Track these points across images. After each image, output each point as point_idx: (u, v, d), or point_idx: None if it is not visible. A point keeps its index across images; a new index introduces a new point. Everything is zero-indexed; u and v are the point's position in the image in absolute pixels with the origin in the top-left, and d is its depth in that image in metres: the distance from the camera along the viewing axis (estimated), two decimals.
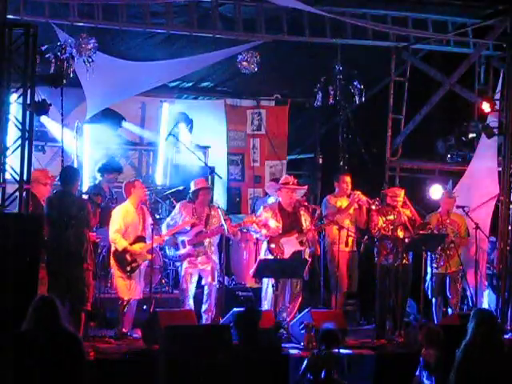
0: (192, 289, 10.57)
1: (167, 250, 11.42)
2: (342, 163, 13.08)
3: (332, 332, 8.33)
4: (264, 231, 10.77)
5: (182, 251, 10.67)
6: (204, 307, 10.55)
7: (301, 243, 10.80)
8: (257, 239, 11.53)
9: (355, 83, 12.11)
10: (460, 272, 11.46)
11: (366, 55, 12.64)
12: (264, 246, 10.90)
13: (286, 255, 10.70)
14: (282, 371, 8.59)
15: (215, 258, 10.69)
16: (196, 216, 10.62)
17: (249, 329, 7.98)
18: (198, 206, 10.69)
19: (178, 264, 11.05)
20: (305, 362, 8.21)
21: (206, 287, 10.59)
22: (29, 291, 8.38)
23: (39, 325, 6.51)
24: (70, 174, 9.71)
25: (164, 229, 10.69)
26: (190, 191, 10.79)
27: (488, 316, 7.43)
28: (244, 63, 11.61)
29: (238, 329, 8.06)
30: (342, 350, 8.45)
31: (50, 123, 12.17)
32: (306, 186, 11.31)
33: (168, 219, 10.92)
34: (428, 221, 11.45)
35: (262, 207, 11.14)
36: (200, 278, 10.66)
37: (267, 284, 10.69)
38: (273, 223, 10.77)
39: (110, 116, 13.01)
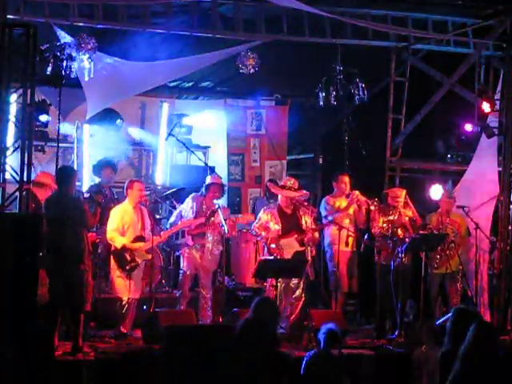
0: (189, 290, 10.63)
1: None
2: (347, 163, 13.07)
3: (334, 333, 8.33)
4: (264, 233, 10.79)
5: (181, 240, 10.75)
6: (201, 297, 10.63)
7: (301, 244, 10.78)
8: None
9: (356, 83, 12.10)
10: (460, 272, 11.46)
11: (366, 55, 12.62)
12: (265, 247, 10.91)
13: (286, 256, 10.67)
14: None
15: (216, 257, 10.71)
16: (204, 209, 10.68)
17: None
18: (208, 200, 10.75)
19: (177, 254, 11.11)
20: (304, 362, 8.21)
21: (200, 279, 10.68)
22: (29, 292, 8.38)
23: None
24: (65, 174, 9.61)
25: (173, 217, 10.80)
26: (204, 184, 10.85)
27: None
28: (244, 63, 11.61)
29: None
30: (342, 351, 8.45)
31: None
32: (307, 193, 11.20)
33: (182, 206, 10.94)
34: (428, 221, 11.45)
35: (262, 210, 11.14)
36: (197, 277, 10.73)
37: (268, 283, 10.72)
38: (272, 226, 10.78)
39: (110, 116, 13.01)
